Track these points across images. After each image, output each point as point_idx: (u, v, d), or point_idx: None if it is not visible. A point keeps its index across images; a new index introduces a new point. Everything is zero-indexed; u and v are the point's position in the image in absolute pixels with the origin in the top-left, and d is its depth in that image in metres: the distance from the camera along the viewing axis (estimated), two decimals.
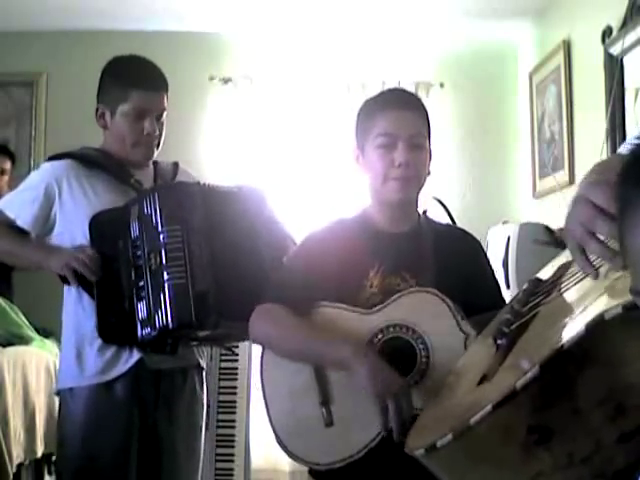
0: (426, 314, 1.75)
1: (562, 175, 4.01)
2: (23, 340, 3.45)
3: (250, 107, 4.63)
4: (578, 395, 0.86)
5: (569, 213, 1.07)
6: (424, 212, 2.01)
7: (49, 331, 3.65)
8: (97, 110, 2.35)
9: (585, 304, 0.96)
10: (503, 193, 4.75)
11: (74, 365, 2.26)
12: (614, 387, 0.86)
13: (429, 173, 1.94)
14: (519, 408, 0.86)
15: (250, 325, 1.88)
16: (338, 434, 1.74)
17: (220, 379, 3.62)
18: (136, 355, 2.23)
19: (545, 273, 1.33)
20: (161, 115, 2.33)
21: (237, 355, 3.58)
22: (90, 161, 2.33)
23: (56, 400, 2.76)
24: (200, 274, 2.12)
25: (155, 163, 2.43)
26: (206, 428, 2.49)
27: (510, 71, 4.80)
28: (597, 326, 0.83)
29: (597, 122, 3.48)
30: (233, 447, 3.59)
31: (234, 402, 3.62)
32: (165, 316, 2.10)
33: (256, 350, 3.39)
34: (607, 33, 3.40)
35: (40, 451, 3.33)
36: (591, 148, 3.47)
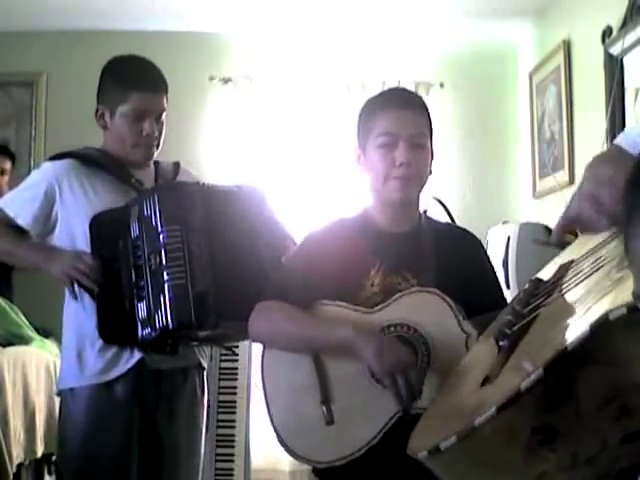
0: (427, 314, 1.76)
1: (562, 175, 4.01)
2: (23, 340, 3.45)
3: (250, 107, 4.63)
4: (582, 396, 0.86)
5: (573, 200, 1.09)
6: (424, 212, 2.01)
7: (49, 331, 3.65)
8: (97, 110, 2.35)
9: (588, 305, 0.96)
10: (503, 193, 4.75)
11: (75, 365, 2.26)
12: (618, 387, 0.86)
13: (431, 173, 1.94)
14: (523, 410, 0.86)
15: (250, 324, 1.88)
16: (339, 432, 1.74)
17: (220, 379, 3.62)
18: (137, 355, 2.23)
19: (546, 273, 1.33)
20: (160, 116, 2.33)
21: (237, 355, 3.58)
22: (91, 161, 2.33)
23: (56, 400, 2.76)
24: (200, 274, 2.12)
25: (156, 163, 2.43)
26: (206, 428, 2.49)
27: (510, 71, 4.80)
28: (601, 327, 0.83)
29: (597, 122, 3.49)
30: (233, 447, 3.59)
31: (234, 402, 3.62)
32: (165, 316, 2.10)
33: (256, 350, 3.40)
34: (607, 33, 3.40)
35: (40, 451, 3.33)
36: (591, 148, 3.47)
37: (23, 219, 2.28)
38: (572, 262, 1.26)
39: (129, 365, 2.23)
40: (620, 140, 1.30)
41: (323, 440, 1.77)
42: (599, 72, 3.46)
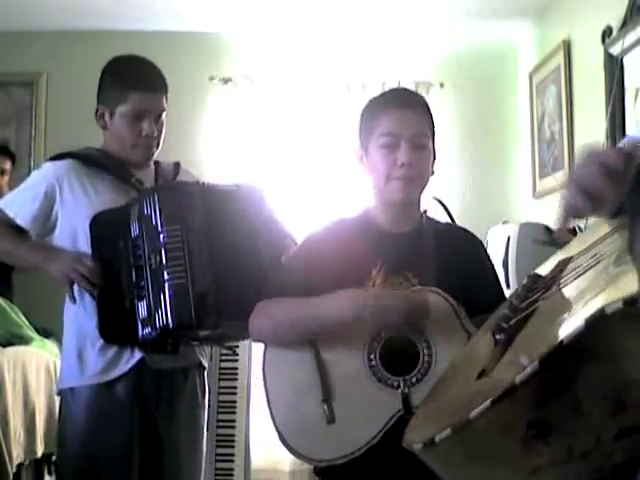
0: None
1: (562, 175, 4.01)
2: (23, 340, 3.45)
3: (250, 107, 4.63)
4: (578, 390, 0.86)
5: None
6: (424, 212, 2.01)
7: (49, 331, 3.65)
8: (97, 110, 2.35)
9: (585, 299, 0.96)
10: (503, 193, 4.75)
11: (75, 365, 2.26)
12: (614, 382, 0.86)
13: (432, 173, 1.94)
14: (518, 403, 0.86)
15: (250, 324, 1.88)
16: (340, 431, 1.75)
17: (220, 379, 3.62)
18: (137, 355, 2.23)
19: (544, 269, 1.33)
20: (160, 116, 2.33)
21: (237, 355, 3.58)
22: (91, 161, 2.33)
23: (56, 400, 2.76)
24: (200, 274, 2.12)
25: (156, 163, 2.43)
26: (206, 428, 2.50)
27: (510, 71, 4.81)
28: (597, 321, 0.83)
29: (597, 122, 3.49)
30: (233, 447, 3.59)
31: (234, 402, 3.63)
32: (165, 316, 2.10)
33: (256, 350, 3.40)
34: (607, 33, 3.40)
35: (40, 451, 3.33)
36: None
37: (22, 219, 2.28)
38: (571, 258, 1.26)
39: (130, 365, 2.24)
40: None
41: (324, 439, 1.77)
42: (599, 72, 3.46)
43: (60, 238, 2.29)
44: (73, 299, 2.22)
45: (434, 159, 1.94)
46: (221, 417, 3.59)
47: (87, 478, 2.26)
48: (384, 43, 4.71)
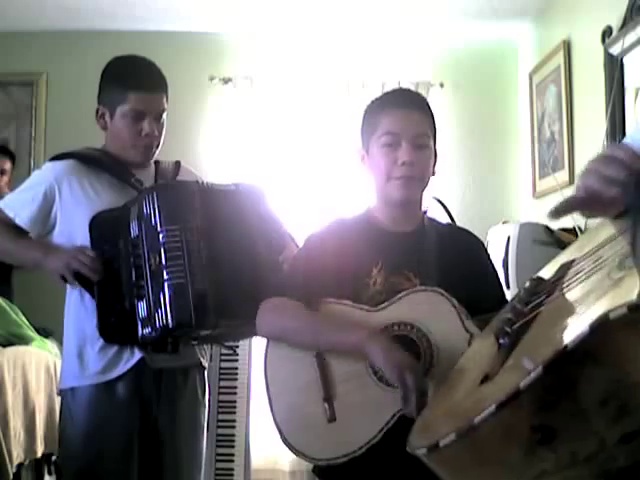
0: (431, 313, 1.76)
1: (562, 175, 4.01)
2: (23, 340, 3.45)
3: (250, 107, 4.63)
4: (581, 395, 0.86)
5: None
6: (424, 212, 2.01)
7: (49, 331, 3.66)
8: (97, 111, 2.35)
9: (588, 304, 0.96)
10: (503, 193, 4.75)
11: (76, 365, 2.26)
12: (618, 387, 0.86)
13: (434, 173, 1.94)
14: (522, 408, 0.86)
15: (258, 319, 1.87)
16: (340, 430, 1.75)
17: (220, 379, 3.63)
18: (137, 355, 2.23)
19: (546, 272, 1.33)
20: (160, 116, 2.33)
21: (237, 355, 3.58)
22: (91, 161, 2.33)
23: (56, 400, 2.76)
24: (199, 273, 2.13)
25: (156, 163, 2.43)
26: (206, 428, 2.50)
27: (510, 71, 4.80)
28: (601, 326, 0.83)
29: (597, 122, 3.49)
30: (233, 447, 3.59)
31: (234, 402, 3.63)
32: (165, 316, 2.10)
33: (256, 350, 3.40)
34: (607, 33, 3.40)
35: (40, 451, 3.32)
36: (591, 148, 3.47)
37: (21, 219, 2.28)
38: (573, 261, 1.26)
39: (130, 365, 2.24)
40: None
41: (325, 437, 1.77)
42: (599, 72, 3.46)
43: (60, 238, 2.29)
44: (75, 285, 2.21)
45: (435, 159, 1.94)
46: (221, 417, 3.60)
47: (88, 477, 2.26)
48: (384, 43, 4.71)
